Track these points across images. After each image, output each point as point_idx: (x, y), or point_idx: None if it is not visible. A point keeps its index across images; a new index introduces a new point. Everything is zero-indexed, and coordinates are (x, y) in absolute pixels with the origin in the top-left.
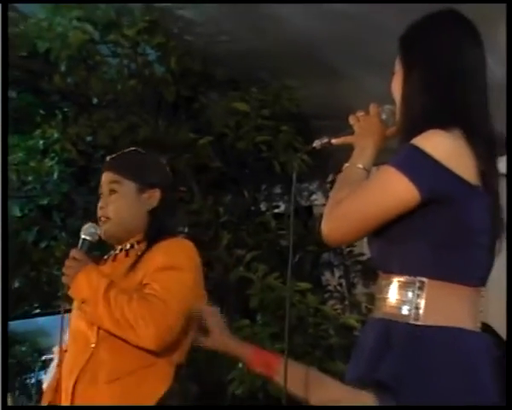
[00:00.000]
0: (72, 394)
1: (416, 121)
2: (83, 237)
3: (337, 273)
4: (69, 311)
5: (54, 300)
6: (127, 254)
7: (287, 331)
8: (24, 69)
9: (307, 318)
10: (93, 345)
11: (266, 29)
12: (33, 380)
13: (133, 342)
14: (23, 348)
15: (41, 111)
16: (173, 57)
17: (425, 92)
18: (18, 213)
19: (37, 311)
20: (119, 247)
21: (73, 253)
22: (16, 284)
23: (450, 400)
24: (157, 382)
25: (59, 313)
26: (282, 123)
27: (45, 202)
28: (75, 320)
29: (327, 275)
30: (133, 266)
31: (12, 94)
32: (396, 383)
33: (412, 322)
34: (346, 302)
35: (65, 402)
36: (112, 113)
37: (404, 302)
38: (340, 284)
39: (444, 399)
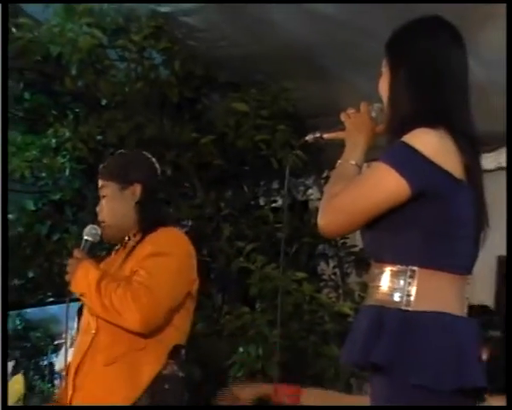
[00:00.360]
0: (75, 376)
1: (404, 121)
2: (85, 237)
3: (331, 264)
4: (76, 300)
5: (66, 289)
6: (125, 247)
7: (279, 319)
8: (37, 72)
9: (303, 305)
10: (93, 331)
11: (264, 34)
12: (46, 362)
13: (122, 326)
14: (37, 334)
15: (53, 111)
16: (177, 61)
17: (411, 93)
18: (32, 208)
19: (51, 299)
20: (120, 244)
21: (75, 253)
22: (31, 275)
23: (439, 381)
24: (149, 363)
25: (69, 301)
26: (279, 122)
27: (58, 197)
28: (85, 310)
29: (322, 265)
30: (126, 257)
31: (26, 95)
32: (389, 366)
33: (404, 308)
34: (340, 291)
35: (69, 384)
36: (120, 113)
37: (396, 290)
38: (335, 274)
39: (433, 380)
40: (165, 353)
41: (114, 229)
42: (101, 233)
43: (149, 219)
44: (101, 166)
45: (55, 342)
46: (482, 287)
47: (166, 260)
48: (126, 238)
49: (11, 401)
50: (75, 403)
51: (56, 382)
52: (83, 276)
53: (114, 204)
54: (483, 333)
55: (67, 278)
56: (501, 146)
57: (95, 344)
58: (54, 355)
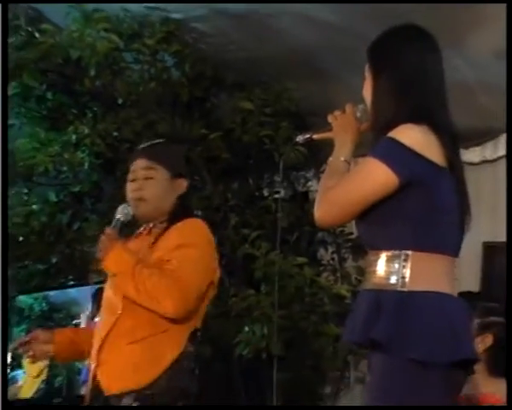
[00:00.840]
0: (99, 351)
1: (388, 120)
2: (117, 216)
3: (330, 250)
4: (98, 283)
5: (85, 273)
6: (149, 232)
7: (276, 301)
8: (59, 74)
9: (304, 288)
10: (119, 312)
11: (268, 39)
12: None
13: (155, 311)
14: (60, 315)
15: (74, 110)
16: (188, 63)
17: (393, 95)
18: (54, 199)
19: (71, 283)
20: (144, 226)
21: (107, 230)
22: (54, 260)
23: (434, 355)
24: (170, 346)
25: (88, 284)
26: (281, 119)
27: (77, 189)
28: (107, 291)
29: (321, 251)
30: (154, 243)
31: (49, 95)
32: (388, 342)
33: (400, 289)
34: (338, 274)
35: (92, 358)
36: (134, 111)
37: (391, 273)
38: (333, 259)
39: (429, 354)
40: (186, 337)
41: (153, 209)
42: (137, 210)
43: (183, 212)
44: (143, 146)
45: (74, 322)
46: (469, 272)
47: (193, 252)
48: (151, 224)
49: (37, 371)
50: (99, 376)
51: None
52: (116, 257)
53: (161, 189)
54: (486, 319)
55: (99, 255)
56: (486, 141)
57: (119, 324)
58: None
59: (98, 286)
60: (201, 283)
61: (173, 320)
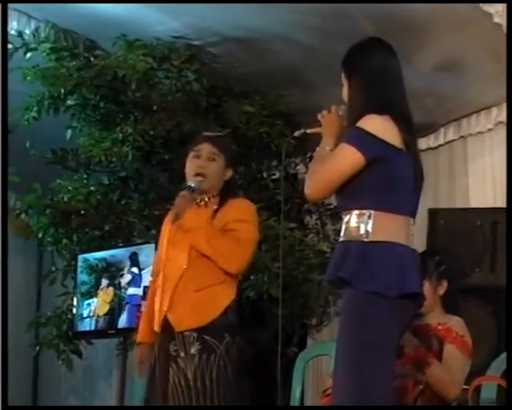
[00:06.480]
0: (171, 298)
1: (359, 112)
2: (190, 184)
3: (314, 217)
4: (139, 244)
5: (130, 237)
6: (206, 205)
7: (280, 256)
8: (109, 88)
9: (295, 246)
10: (185, 266)
11: (265, 58)
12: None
13: (221, 266)
14: (112, 268)
15: (120, 115)
16: (205, 78)
17: (364, 94)
18: (106, 182)
19: (120, 245)
20: (199, 198)
21: (182, 193)
22: (106, 228)
23: (387, 288)
24: (226, 294)
25: (132, 245)
26: (276, 119)
27: (124, 174)
28: (168, 250)
29: (307, 218)
30: (215, 215)
31: (101, 104)
32: (352, 278)
33: (364, 239)
34: (320, 235)
35: (164, 301)
36: (165, 115)
37: (359, 226)
38: (316, 224)
39: (383, 288)
40: (235, 287)
41: (210, 186)
42: (199, 183)
43: (230, 192)
44: (211, 135)
45: (120, 273)
46: (418, 232)
47: (249, 226)
48: (206, 198)
49: (101, 311)
50: (171, 317)
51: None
52: (193, 215)
53: (219, 171)
54: (440, 269)
55: (176, 210)
56: (430, 133)
57: (186, 275)
58: (120, 279)
59: (133, 250)
60: (253, 249)
61: (228, 274)
